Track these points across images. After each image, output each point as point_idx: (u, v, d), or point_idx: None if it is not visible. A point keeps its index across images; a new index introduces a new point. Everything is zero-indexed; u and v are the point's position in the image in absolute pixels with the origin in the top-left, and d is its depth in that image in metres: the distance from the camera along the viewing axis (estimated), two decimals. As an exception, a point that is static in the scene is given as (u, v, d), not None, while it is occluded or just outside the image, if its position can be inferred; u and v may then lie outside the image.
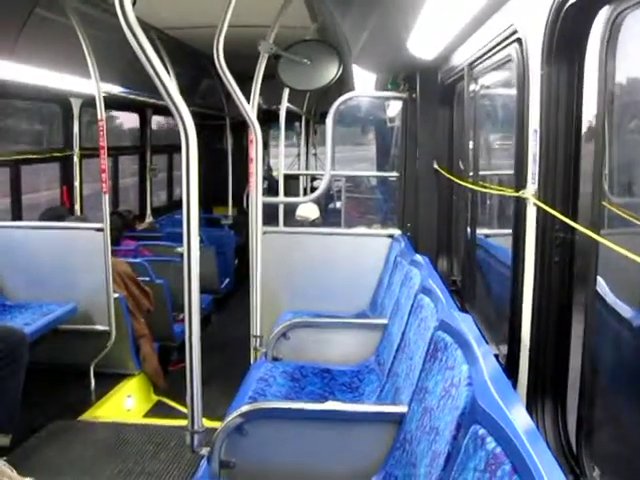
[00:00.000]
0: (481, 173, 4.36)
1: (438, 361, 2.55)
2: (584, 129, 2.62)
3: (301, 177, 10.70)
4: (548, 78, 2.58)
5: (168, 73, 7.16)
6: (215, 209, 11.62)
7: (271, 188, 10.99)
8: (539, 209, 2.66)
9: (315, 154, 13.78)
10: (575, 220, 2.57)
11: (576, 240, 2.65)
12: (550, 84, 2.58)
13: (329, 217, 11.47)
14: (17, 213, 6.66)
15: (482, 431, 1.84)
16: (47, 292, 5.62)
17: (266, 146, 12.57)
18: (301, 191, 10.35)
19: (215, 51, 4.07)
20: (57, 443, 4.71)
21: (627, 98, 2.62)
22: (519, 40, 2.89)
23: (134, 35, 2.53)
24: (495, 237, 4.38)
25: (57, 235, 5.83)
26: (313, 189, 11.31)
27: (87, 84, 5.65)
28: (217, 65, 4.15)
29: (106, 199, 5.52)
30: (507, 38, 3.06)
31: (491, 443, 1.76)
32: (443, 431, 2.18)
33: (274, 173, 10.66)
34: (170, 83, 2.67)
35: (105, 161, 5.56)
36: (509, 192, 3.18)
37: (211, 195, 11.10)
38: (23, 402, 4.59)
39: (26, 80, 5.73)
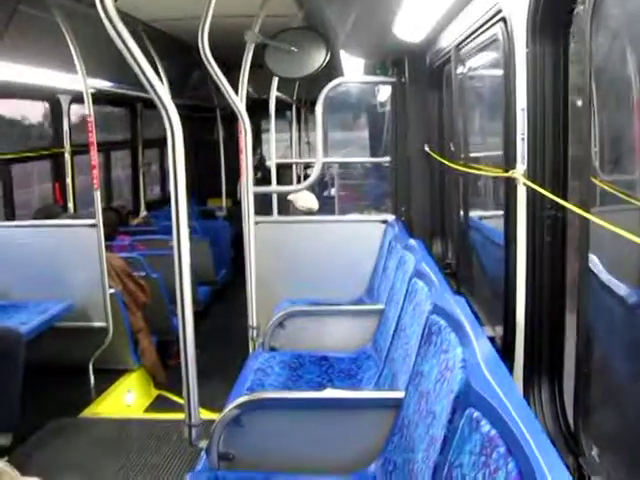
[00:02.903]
0: (472, 155, 4.34)
1: (433, 345, 2.54)
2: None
3: (294, 165, 10.68)
4: (533, 56, 2.57)
5: (156, 66, 7.17)
6: (210, 201, 11.59)
7: (265, 177, 10.98)
8: (529, 189, 2.64)
9: (308, 142, 13.74)
10: (565, 198, 2.56)
11: (568, 218, 2.64)
12: (536, 62, 2.57)
13: (324, 205, 11.45)
14: (10, 212, 6.64)
15: (477, 414, 1.84)
16: (43, 290, 5.60)
17: (258, 136, 12.53)
18: (294, 179, 10.34)
19: (200, 42, 4.05)
20: (58, 441, 4.71)
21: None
22: (504, 19, 2.87)
23: (115, 29, 2.51)
24: (488, 218, 4.36)
25: (51, 233, 5.81)
26: (307, 177, 11.30)
27: (74, 80, 5.61)
28: (203, 56, 4.12)
29: (98, 195, 5.51)
30: (492, 18, 3.04)
31: (486, 426, 1.75)
32: (439, 415, 2.17)
33: (267, 162, 10.63)
34: (154, 77, 2.65)
35: (95, 157, 5.55)
36: (498, 172, 3.17)
37: (205, 187, 11.08)
38: (23, 401, 4.58)
39: (13, 78, 5.70)
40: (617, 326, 2.63)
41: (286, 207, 7.13)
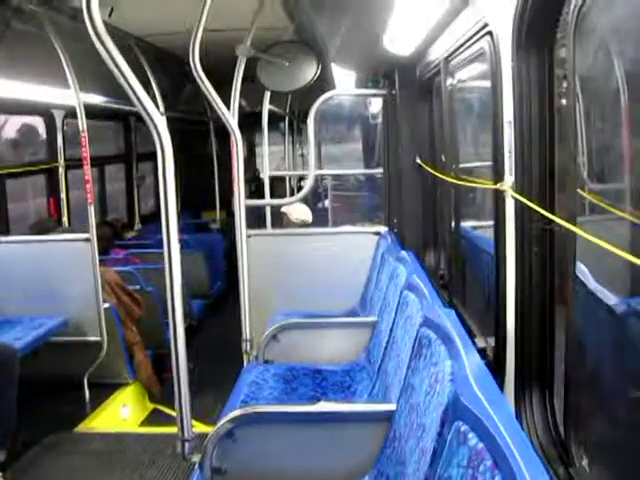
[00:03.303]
0: (463, 166, 4.36)
1: (423, 358, 2.56)
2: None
3: (287, 178, 10.70)
4: (519, 69, 2.59)
5: (148, 80, 7.16)
6: (204, 214, 11.60)
7: (259, 190, 10.99)
8: (517, 201, 2.66)
9: (302, 154, 13.77)
10: (552, 210, 2.58)
11: (555, 230, 2.65)
12: (521, 75, 2.59)
13: (317, 216, 11.47)
14: (4, 227, 6.65)
15: (464, 427, 1.85)
16: (37, 305, 5.61)
17: (251, 148, 12.56)
18: (288, 192, 10.35)
19: (191, 58, 4.07)
20: (54, 456, 4.70)
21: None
22: (490, 33, 2.89)
23: (103, 45, 2.53)
24: (479, 229, 4.38)
25: (44, 248, 5.82)
26: (301, 189, 11.31)
27: (67, 95, 5.63)
28: (193, 71, 4.14)
29: (91, 210, 5.53)
30: (479, 31, 3.06)
31: (473, 439, 1.76)
32: (429, 428, 2.18)
33: (261, 175, 10.67)
34: (142, 91, 2.67)
35: (89, 172, 5.56)
36: (487, 185, 3.19)
37: (200, 200, 11.09)
38: (18, 416, 4.59)
39: (7, 94, 5.72)
40: (605, 336, 2.65)
41: (280, 219, 7.14)
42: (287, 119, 11.87)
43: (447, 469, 1.87)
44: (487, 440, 1.70)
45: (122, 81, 2.62)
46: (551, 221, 2.58)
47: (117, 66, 2.59)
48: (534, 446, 2.55)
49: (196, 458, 2.95)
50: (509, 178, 2.77)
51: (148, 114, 2.67)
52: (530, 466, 1.53)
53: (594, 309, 2.63)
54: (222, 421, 2.98)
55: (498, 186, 2.86)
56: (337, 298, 5.49)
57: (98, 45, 2.53)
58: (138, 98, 2.65)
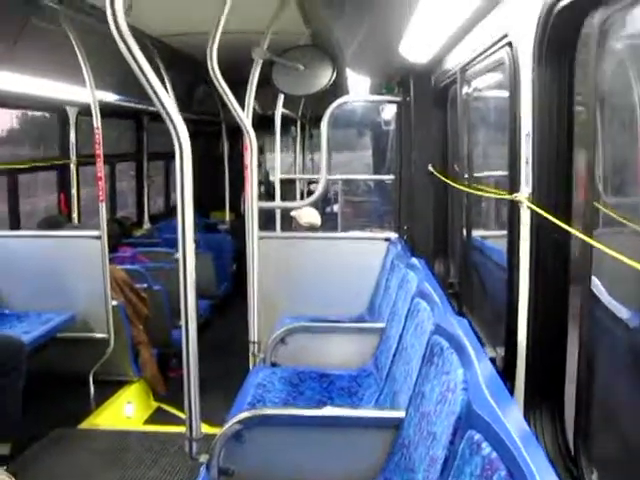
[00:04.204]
0: (476, 175, 4.36)
1: (434, 366, 2.56)
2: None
3: (297, 181, 10.71)
4: (539, 81, 2.58)
5: (163, 80, 7.18)
6: (213, 214, 11.62)
7: (268, 192, 11.02)
8: (533, 212, 2.66)
9: (312, 159, 13.79)
10: (569, 222, 2.58)
11: (571, 242, 2.65)
12: (541, 87, 2.58)
13: (326, 221, 11.49)
14: (15, 222, 6.67)
15: (478, 436, 1.85)
16: (45, 301, 5.62)
17: (262, 151, 12.58)
18: (298, 195, 10.36)
19: (209, 58, 4.08)
20: (57, 451, 4.71)
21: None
22: (510, 44, 2.89)
23: (125, 43, 2.54)
24: (492, 239, 4.38)
25: (55, 244, 5.84)
26: (310, 193, 11.31)
27: (82, 92, 5.65)
28: (210, 72, 4.15)
29: (103, 207, 5.54)
30: (498, 42, 3.07)
31: (487, 448, 1.76)
32: (440, 436, 2.18)
33: (271, 178, 10.68)
34: (162, 91, 2.67)
35: (102, 169, 5.58)
36: (503, 195, 3.19)
37: (209, 201, 11.11)
38: (23, 411, 4.59)
39: (22, 89, 5.74)
40: (619, 350, 2.64)
41: (288, 222, 7.15)
42: (299, 123, 11.88)
43: (459, 478, 1.87)
44: (501, 450, 1.70)
45: (143, 81, 2.62)
46: (567, 233, 2.58)
47: (138, 65, 2.59)
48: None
49: (204, 458, 2.95)
50: (525, 189, 2.77)
51: (168, 114, 2.68)
52: (545, 477, 1.53)
53: (607, 323, 2.62)
54: (230, 422, 2.98)
55: (513, 197, 2.86)
56: (345, 303, 5.49)
57: (120, 44, 2.53)
58: (159, 98, 2.66)
